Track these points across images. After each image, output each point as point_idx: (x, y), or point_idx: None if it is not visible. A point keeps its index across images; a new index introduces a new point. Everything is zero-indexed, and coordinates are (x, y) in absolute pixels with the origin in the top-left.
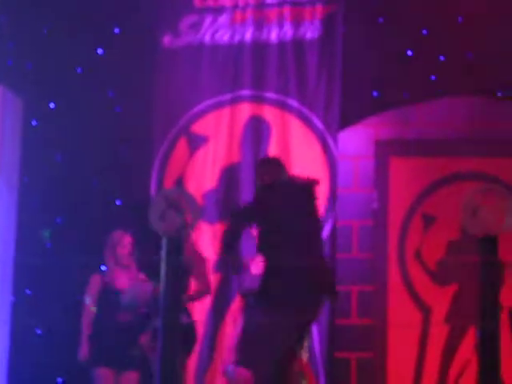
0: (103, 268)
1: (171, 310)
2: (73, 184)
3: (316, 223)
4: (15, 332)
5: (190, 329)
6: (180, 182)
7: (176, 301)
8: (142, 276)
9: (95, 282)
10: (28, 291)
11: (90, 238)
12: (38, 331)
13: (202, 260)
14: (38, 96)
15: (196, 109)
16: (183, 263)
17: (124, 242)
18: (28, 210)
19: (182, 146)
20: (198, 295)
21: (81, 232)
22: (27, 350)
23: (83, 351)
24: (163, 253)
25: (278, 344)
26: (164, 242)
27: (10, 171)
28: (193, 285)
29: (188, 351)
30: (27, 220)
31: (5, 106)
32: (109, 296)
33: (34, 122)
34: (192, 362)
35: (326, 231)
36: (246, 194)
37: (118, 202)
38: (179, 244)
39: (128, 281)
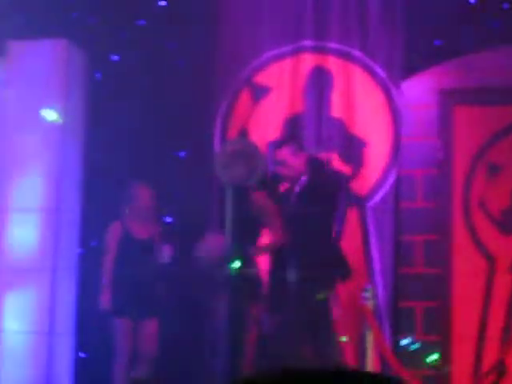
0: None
1: (237, 259)
2: (137, 137)
3: None
4: (83, 282)
5: (256, 279)
6: (244, 133)
7: (241, 250)
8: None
9: (116, 229)
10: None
11: (155, 190)
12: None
13: (274, 210)
14: (102, 49)
15: (258, 60)
16: (249, 213)
17: (143, 196)
18: (93, 162)
19: (244, 97)
20: (271, 247)
21: (147, 184)
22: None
23: (104, 300)
24: (228, 202)
25: None
26: (229, 191)
27: (76, 125)
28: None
29: (254, 300)
30: (93, 172)
31: (69, 60)
32: (128, 245)
33: (98, 75)
34: None
35: (389, 180)
36: (309, 143)
37: (181, 154)
38: (244, 193)
39: (146, 233)
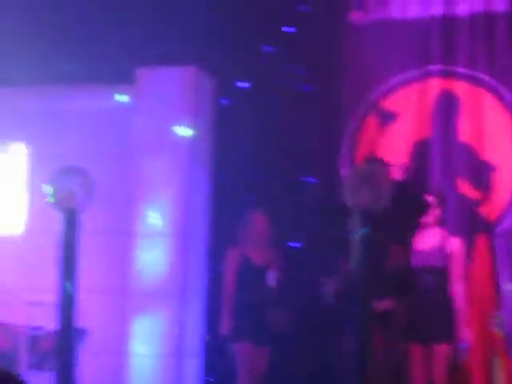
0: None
1: (364, 286)
2: (264, 162)
3: None
4: (211, 306)
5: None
6: (371, 158)
7: (367, 276)
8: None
9: (234, 256)
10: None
11: (281, 215)
12: None
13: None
14: (229, 75)
15: (385, 85)
16: (376, 236)
17: (259, 222)
18: (222, 188)
19: (371, 122)
20: (400, 266)
21: (272, 209)
22: None
23: (224, 326)
24: (355, 226)
25: None
26: (356, 215)
27: (203, 151)
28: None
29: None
30: (220, 197)
31: (198, 86)
32: (247, 271)
33: (225, 101)
34: None
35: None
36: (436, 169)
37: (309, 180)
38: (370, 218)
39: (262, 259)
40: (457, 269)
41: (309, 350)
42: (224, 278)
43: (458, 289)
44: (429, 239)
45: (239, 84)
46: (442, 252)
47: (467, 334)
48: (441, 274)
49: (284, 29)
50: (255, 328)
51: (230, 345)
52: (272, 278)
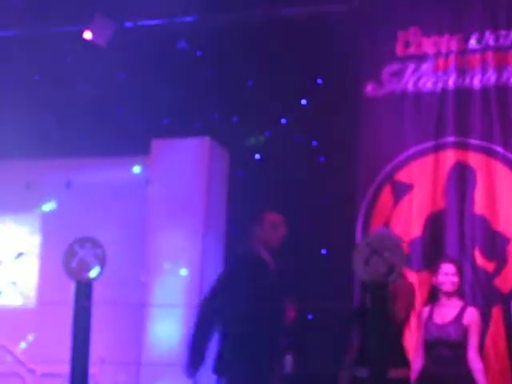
0: None
1: (378, 361)
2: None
3: None
4: None
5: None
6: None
7: (382, 350)
8: None
9: None
10: None
11: (296, 287)
12: None
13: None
14: (243, 147)
15: (400, 157)
16: (389, 311)
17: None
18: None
19: (386, 194)
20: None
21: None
22: None
23: None
24: (368, 299)
25: None
26: (369, 288)
27: (217, 223)
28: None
29: None
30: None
31: (212, 158)
32: None
33: (239, 173)
34: None
35: None
36: (451, 240)
37: (323, 252)
38: (384, 290)
39: None
40: (474, 341)
41: None
42: None
43: (476, 362)
44: (446, 311)
45: (254, 156)
46: (459, 324)
47: None
48: (458, 346)
49: (299, 101)
50: None
51: None
52: (288, 364)
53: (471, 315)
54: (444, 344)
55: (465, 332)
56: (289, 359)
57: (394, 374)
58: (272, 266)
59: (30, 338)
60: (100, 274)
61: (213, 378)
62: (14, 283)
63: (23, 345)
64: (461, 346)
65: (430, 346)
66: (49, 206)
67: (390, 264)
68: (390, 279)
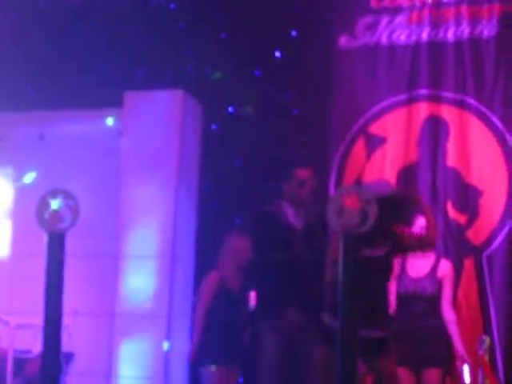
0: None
1: (349, 312)
2: (252, 187)
3: None
4: None
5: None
6: (358, 183)
7: (353, 301)
8: None
9: (212, 279)
10: None
11: None
12: None
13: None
14: (217, 100)
15: (373, 109)
16: (357, 261)
17: (241, 245)
18: (207, 214)
19: (359, 146)
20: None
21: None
22: None
23: (192, 350)
24: (340, 249)
25: None
26: (341, 238)
27: (190, 176)
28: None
29: None
30: (206, 224)
31: (185, 111)
32: (223, 295)
33: (213, 126)
34: None
35: (505, 229)
36: (424, 193)
37: None
38: (356, 241)
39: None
40: (447, 293)
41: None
42: (198, 300)
43: (449, 314)
44: (420, 264)
45: (228, 109)
46: (434, 278)
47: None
48: (433, 300)
49: (273, 53)
50: (227, 350)
51: (197, 368)
52: (254, 299)
53: (445, 267)
54: (420, 298)
55: (439, 285)
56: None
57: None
58: (299, 223)
59: (3, 290)
60: (72, 225)
61: None
62: None
63: None
64: (436, 298)
65: (405, 300)
66: (30, 177)
67: (362, 215)
68: (361, 230)
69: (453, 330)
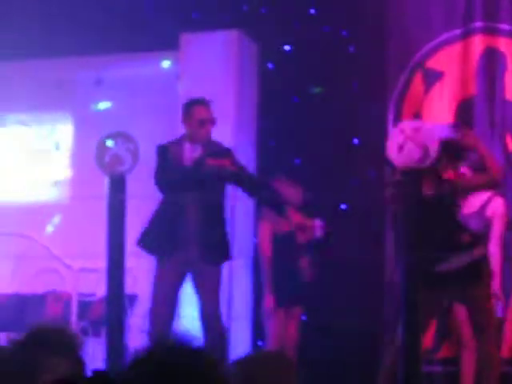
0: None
1: (410, 244)
2: (310, 124)
3: None
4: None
5: None
6: (417, 118)
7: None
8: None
9: (265, 228)
10: None
11: (328, 177)
12: None
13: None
14: (273, 39)
15: (429, 44)
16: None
17: (291, 192)
18: (266, 152)
19: (417, 81)
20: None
21: (319, 172)
22: None
23: (269, 300)
24: (400, 185)
25: None
26: (402, 173)
27: (248, 116)
28: None
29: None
30: (266, 163)
31: (242, 51)
32: (280, 242)
33: (270, 66)
34: None
35: None
36: (482, 127)
37: (354, 141)
38: (416, 176)
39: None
40: (496, 233)
41: (347, 313)
42: (259, 249)
43: (495, 252)
44: (469, 202)
45: (284, 47)
46: (482, 216)
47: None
48: (479, 238)
49: None
50: (290, 290)
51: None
52: (318, 228)
53: (496, 206)
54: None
55: (488, 224)
56: (318, 224)
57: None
58: (191, 159)
59: (66, 233)
60: (132, 167)
61: None
62: (50, 179)
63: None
64: (481, 237)
65: None
66: (104, 105)
67: (424, 149)
68: (423, 165)
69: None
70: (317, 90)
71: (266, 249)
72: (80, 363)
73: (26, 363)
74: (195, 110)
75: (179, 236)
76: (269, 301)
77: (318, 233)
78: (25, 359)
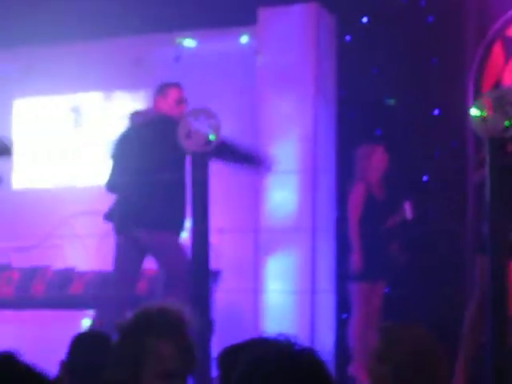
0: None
1: (497, 212)
2: (389, 96)
3: None
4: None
5: None
6: (498, 87)
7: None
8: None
9: (359, 190)
10: None
11: (409, 150)
12: None
13: None
14: (350, 11)
15: (510, 12)
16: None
17: (380, 157)
18: (347, 123)
19: (497, 50)
20: None
21: (399, 144)
22: None
23: (357, 263)
24: (487, 154)
25: None
26: (487, 143)
27: (327, 88)
28: None
29: None
30: (347, 133)
31: (319, 24)
32: (372, 207)
33: (347, 38)
34: None
35: None
36: None
37: (435, 112)
38: (502, 145)
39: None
40: None
41: (430, 284)
42: (350, 212)
43: None
44: None
45: (361, 20)
46: None
47: None
48: None
49: None
50: (377, 265)
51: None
52: (408, 210)
53: None
54: None
55: None
56: (408, 206)
57: None
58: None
59: None
60: (215, 143)
61: None
62: None
63: None
64: None
65: None
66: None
67: (509, 118)
68: (508, 134)
69: None
70: (391, 101)
71: (358, 210)
72: (186, 343)
73: (134, 349)
74: (172, 91)
75: None
76: (357, 261)
77: (409, 215)
78: (132, 344)
